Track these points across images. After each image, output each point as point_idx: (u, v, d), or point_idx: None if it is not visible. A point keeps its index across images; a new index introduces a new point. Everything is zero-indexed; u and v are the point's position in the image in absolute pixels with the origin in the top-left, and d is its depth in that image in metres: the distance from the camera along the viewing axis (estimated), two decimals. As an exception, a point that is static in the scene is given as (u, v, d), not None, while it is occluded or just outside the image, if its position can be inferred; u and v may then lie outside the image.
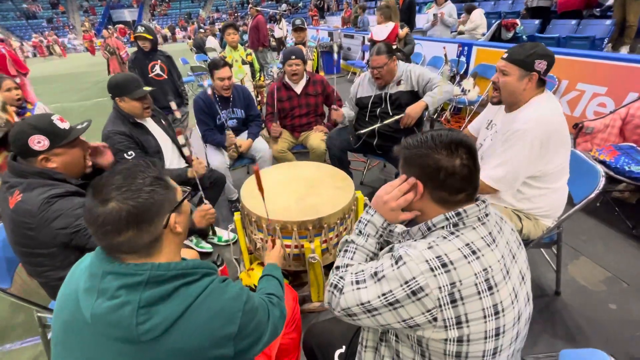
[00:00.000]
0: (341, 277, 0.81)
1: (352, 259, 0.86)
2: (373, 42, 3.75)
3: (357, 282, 0.76)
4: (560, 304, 1.72)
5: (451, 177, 0.72)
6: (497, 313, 0.67)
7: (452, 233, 0.72)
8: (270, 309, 0.85)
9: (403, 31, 3.80)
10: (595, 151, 2.32)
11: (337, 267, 0.86)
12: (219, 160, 2.47)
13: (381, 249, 0.88)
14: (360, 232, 0.89)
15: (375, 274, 0.73)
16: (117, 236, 0.64)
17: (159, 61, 3.02)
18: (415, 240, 0.77)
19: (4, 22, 25.07)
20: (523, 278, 0.75)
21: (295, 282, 1.85)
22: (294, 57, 2.60)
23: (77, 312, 0.65)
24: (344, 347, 1.08)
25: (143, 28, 2.96)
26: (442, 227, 0.74)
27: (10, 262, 1.35)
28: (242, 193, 1.71)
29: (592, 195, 1.46)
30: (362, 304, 0.73)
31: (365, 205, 1.87)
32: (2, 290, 1.25)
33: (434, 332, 0.67)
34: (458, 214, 0.72)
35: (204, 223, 1.45)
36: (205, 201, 1.48)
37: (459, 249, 0.68)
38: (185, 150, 1.56)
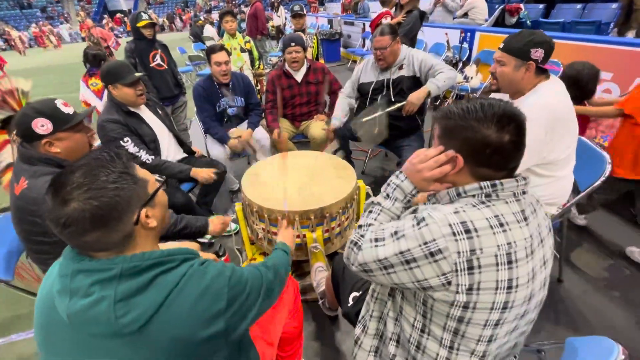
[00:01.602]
0: (362, 236, 0.80)
1: (375, 219, 0.85)
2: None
3: (377, 240, 0.75)
4: (563, 291, 1.72)
5: (498, 154, 0.68)
6: (509, 287, 0.66)
7: (483, 202, 0.69)
8: (264, 273, 0.83)
9: (392, 21, 3.76)
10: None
11: (360, 226, 0.86)
12: (219, 150, 2.45)
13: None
14: (388, 195, 0.87)
15: (396, 232, 0.72)
16: (83, 237, 0.60)
17: (159, 50, 2.95)
18: (441, 204, 0.75)
19: (-2, 12, 24.68)
20: (545, 263, 0.74)
21: (297, 272, 1.85)
22: (293, 44, 2.54)
23: (54, 314, 0.63)
24: (360, 292, 1.11)
25: (147, 15, 2.87)
26: (473, 196, 0.71)
27: (11, 254, 1.35)
28: (243, 183, 1.69)
29: (598, 182, 1.44)
30: (379, 259, 0.73)
31: (367, 195, 1.86)
32: (5, 282, 1.25)
33: (444, 294, 0.67)
34: (494, 185, 0.69)
35: (218, 231, 1.47)
36: (230, 212, 1.53)
37: (486, 219, 0.66)
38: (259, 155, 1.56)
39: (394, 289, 0.86)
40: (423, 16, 3.54)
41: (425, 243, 0.67)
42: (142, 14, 2.84)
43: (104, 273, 0.61)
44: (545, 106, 1.30)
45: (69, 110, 1.21)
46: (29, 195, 1.12)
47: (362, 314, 0.96)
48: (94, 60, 3.25)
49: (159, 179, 0.76)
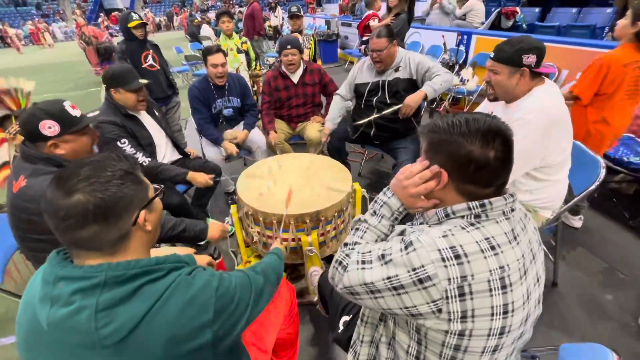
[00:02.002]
0: (347, 255, 0.78)
1: (362, 237, 0.83)
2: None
3: (363, 262, 0.73)
4: (557, 295, 1.73)
5: (482, 170, 0.66)
6: (505, 312, 0.64)
7: (472, 224, 0.67)
8: (253, 279, 0.81)
9: (380, 23, 3.79)
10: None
11: (346, 244, 0.84)
12: (214, 152, 2.43)
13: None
14: (374, 212, 0.85)
15: (383, 256, 0.70)
16: (81, 231, 0.60)
17: (151, 51, 2.92)
18: (429, 226, 0.73)
19: (-7, 9, 24.41)
20: (538, 280, 0.72)
21: (293, 275, 1.84)
22: (289, 46, 2.53)
23: (35, 322, 0.61)
24: (350, 315, 1.08)
25: (137, 15, 2.83)
26: (462, 217, 0.69)
27: (1, 255, 1.32)
28: (239, 186, 1.68)
29: (593, 186, 1.45)
30: (365, 283, 0.70)
31: (363, 197, 1.85)
32: (-7, 285, 1.23)
33: (436, 322, 0.65)
34: (482, 205, 0.67)
35: (216, 237, 1.46)
36: (227, 220, 1.52)
37: (477, 242, 0.64)
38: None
39: (385, 313, 0.83)
40: (411, 19, 3.57)
41: (414, 269, 0.64)
42: (133, 14, 2.80)
43: (86, 281, 0.59)
44: (541, 109, 1.30)
45: (76, 112, 1.21)
46: (27, 193, 1.11)
47: (353, 339, 0.94)
48: (105, 54, 3.23)
49: (157, 186, 0.76)
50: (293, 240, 1.54)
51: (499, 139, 0.66)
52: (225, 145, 2.42)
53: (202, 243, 2.22)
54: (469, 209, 0.68)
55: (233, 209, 1.74)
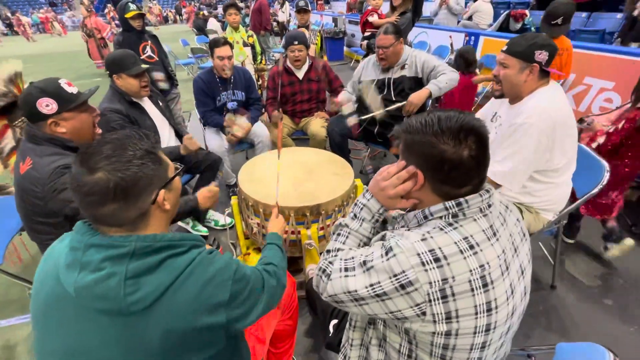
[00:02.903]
0: (330, 262, 0.78)
1: (344, 243, 0.83)
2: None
3: (346, 270, 0.73)
4: (556, 297, 1.72)
5: (456, 170, 0.65)
6: (489, 310, 0.64)
7: (450, 224, 0.67)
8: (266, 278, 0.83)
9: (372, 19, 3.81)
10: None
11: (328, 251, 0.83)
12: (217, 143, 2.44)
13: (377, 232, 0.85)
14: (355, 215, 0.84)
15: (365, 262, 0.70)
16: (102, 207, 0.61)
17: (149, 42, 2.89)
18: (409, 229, 0.73)
19: (2, -2, 24.49)
20: (523, 272, 0.73)
21: (291, 268, 1.84)
22: (296, 42, 2.52)
23: (59, 288, 0.63)
24: (339, 318, 1.09)
25: (134, 5, 2.78)
26: (440, 217, 0.69)
27: (2, 236, 1.34)
28: (240, 177, 1.68)
29: (596, 190, 1.44)
30: (349, 292, 0.70)
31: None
32: (-6, 266, 1.24)
33: (421, 325, 0.65)
34: (459, 204, 0.67)
35: (208, 204, 1.43)
36: (215, 182, 1.49)
37: (455, 243, 0.64)
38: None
39: (374, 317, 0.83)
40: (416, 18, 3.57)
41: (395, 275, 0.64)
42: (130, 4, 2.76)
43: (117, 250, 0.61)
44: (545, 111, 1.29)
45: (72, 89, 1.21)
46: (33, 175, 1.13)
47: (342, 342, 0.94)
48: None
49: (177, 165, 0.76)
50: (293, 233, 1.54)
51: (472, 136, 0.64)
52: (228, 122, 2.40)
53: (202, 234, 2.23)
54: (446, 209, 0.68)
55: (234, 199, 1.74)
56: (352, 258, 0.74)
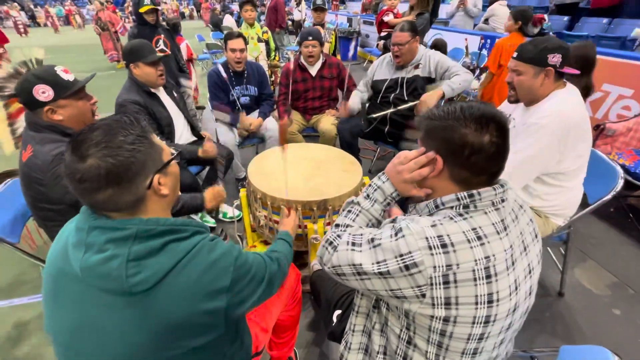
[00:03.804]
0: (338, 236, 0.79)
1: (354, 220, 0.84)
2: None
3: (353, 244, 0.74)
4: (563, 305, 1.70)
5: (476, 155, 0.66)
6: (490, 302, 0.64)
7: (460, 214, 0.68)
8: (268, 264, 0.84)
9: (388, 19, 3.81)
10: (614, 154, 2.24)
11: (337, 225, 0.84)
12: (228, 137, 2.46)
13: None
14: (368, 195, 0.85)
15: (372, 239, 0.71)
16: (96, 194, 0.62)
17: (162, 35, 2.95)
18: (420, 216, 0.74)
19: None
20: (530, 272, 0.72)
21: (296, 263, 1.85)
22: (310, 37, 2.54)
23: (67, 266, 0.65)
24: (342, 309, 1.09)
25: (149, 0, 2.86)
26: (451, 207, 0.70)
27: (18, 218, 1.38)
28: (250, 170, 1.70)
29: (608, 196, 1.41)
30: (353, 264, 0.72)
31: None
32: (11, 244, 1.28)
33: (420, 307, 0.66)
34: (471, 196, 0.68)
35: (214, 204, 1.46)
36: (220, 183, 1.50)
37: (463, 232, 0.65)
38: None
39: (378, 300, 0.84)
40: (433, 19, 3.57)
41: (401, 255, 0.65)
42: None
43: (119, 232, 0.63)
44: (559, 113, 1.28)
45: (69, 77, 1.21)
46: (34, 162, 1.14)
47: (345, 329, 0.95)
48: (174, 28, 3.48)
49: (173, 150, 0.77)
50: (299, 227, 1.55)
51: (493, 124, 0.66)
52: (242, 118, 2.43)
53: (210, 225, 2.26)
54: (458, 199, 0.69)
55: (242, 192, 1.76)
56: (361, 235, 0.75)
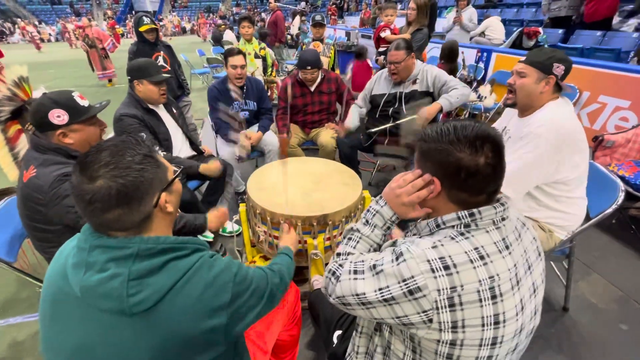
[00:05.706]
0: (340, 265, 0.78)
1: (354, 247, 0.83)
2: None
3: (355, 272, 0.73)
4: (568, 320, 1.67)
5: (473, 177, 0.66)
6: (497, 323, 0.63)
7: (462, 234, 0.67)
8: (270, 277, 0.84)
9: (385, 35, 3.87)
10: (614, 166, 2.25)
11: (338, 254, 0.83)
12: (228, 151, 2.47)
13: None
14: (367, 221, 0.84)
15: (374, 266, 0.70)
16: (106, 214, 0.62)
17: (162, 52, 3.01)
18: (420, 237, 0.73)
19: (30, 6, 25.70)
20: (535, 291, 0.71)
21: (296, 278, 1.82)
22: (309, 67, 2.51)
23: (66, 287, 0.64)
24: (343, 329, 1.08)
25: (148, 19, 2.93)
26: (452, 227, 0.69)
27: (15, 237, 1.36)
28: (249, 185, 1.69)
29: (610, 209, 1.40)
30: (357, 294, 0.70)
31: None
32: (7, 263, 1.26)
33: (427, 332, 0.65)
34: (471, 215, 0.67)
35: (217, 225, 1.46)
36: (225, 204, 1.51)
37: (465, 252, 0.64)
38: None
39: (380, 323, 0.82)
40: (431, 34, 3.64)
41: (404, 280, 0.64)
42: (144, 18, 2.92)
43: (120, 251, 0.63)
44: (553, 122, 1.30)
45: (84, 103, 1.24)
46: (36, 183, 1.14)
47: (348, 351, 0.93)
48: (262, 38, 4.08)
49: (176, 168, 0.78)
50: (299, 242, 1.53)
51: (488, 144, 0.65)
52: (241, 139, 2.44)
53: (208, 240, 2.24)
54: (459, 218, 0.68)
55: (242, 207, 1.76)
56: (362, 261, 0.74)
